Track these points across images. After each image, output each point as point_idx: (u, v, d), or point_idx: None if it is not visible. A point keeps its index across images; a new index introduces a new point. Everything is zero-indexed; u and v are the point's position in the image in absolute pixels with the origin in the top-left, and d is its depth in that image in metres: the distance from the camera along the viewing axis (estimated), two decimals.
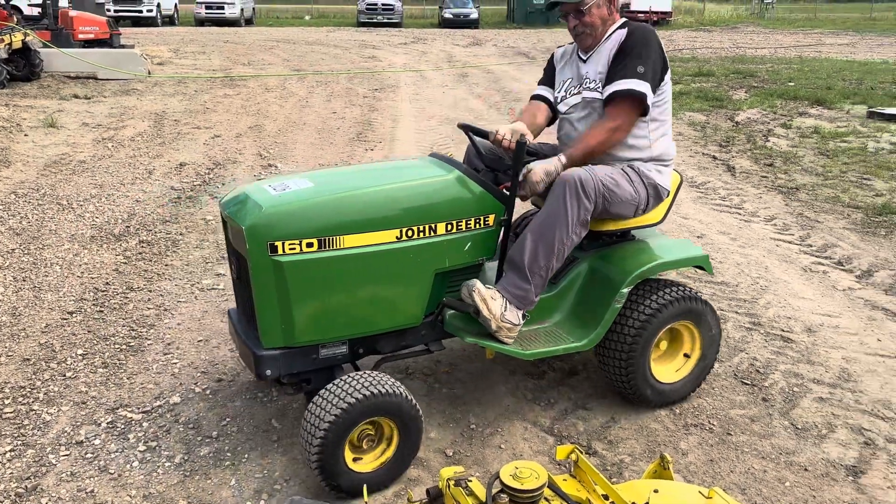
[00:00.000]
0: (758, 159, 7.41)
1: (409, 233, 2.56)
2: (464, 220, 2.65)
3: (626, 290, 2.79)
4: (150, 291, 4.11)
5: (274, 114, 9.60)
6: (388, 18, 30.73)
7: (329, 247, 2.45)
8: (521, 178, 2.69)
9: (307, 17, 35.62)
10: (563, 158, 2.75)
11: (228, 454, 2.72)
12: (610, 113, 2.80)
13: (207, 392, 3.13)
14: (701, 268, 3.04)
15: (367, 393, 2.38)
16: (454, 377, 3.27)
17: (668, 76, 2.88)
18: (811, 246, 4.95)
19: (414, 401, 2.50)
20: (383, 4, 30.80)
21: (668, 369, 3.03)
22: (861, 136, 8.36)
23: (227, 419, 2.94)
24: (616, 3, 2.90)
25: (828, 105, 10.39)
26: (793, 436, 2.87)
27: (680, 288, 2.94)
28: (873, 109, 9.86)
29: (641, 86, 2.73)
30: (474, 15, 31.42)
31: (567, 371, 3.33)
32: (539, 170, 2.68)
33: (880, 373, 3.33)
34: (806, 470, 2.67)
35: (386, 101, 10.96)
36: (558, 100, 3.04)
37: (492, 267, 2.87)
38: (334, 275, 2.49)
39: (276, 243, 2.39)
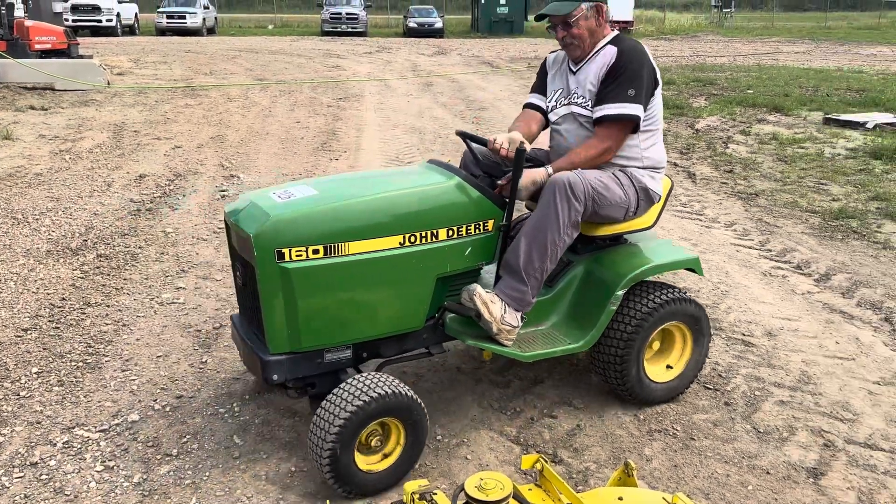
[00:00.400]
0: (718, 166, 7.53)
1: (412, 238, 2.61)
2: (464, 226, 2.71)
3: (620, 293, 2.85)
4: (108, 307, 4.02)
5: (236, 124, 9.50)
6: (353, 28, 30.69)
7: (335, 253, 2.50)
8: (507, 182, 2.76)
9: (270, 27, 35.40)
10: (550, 170, 2.83)
11: (189, 472, 2.66)
12: (600, 134, 2.86)
13: (167, 409, 3.06)
14: (692, 270, 3.12)
15: (377, 394, 2.42)
16: (420, 388, 3.25)
17: (658, 89, 2.94)
18: (770, 251, 5.04)
19: (420, 401, 2.55)
20: (347, 14, 30.75)
21: (660, 369, 3.10)
22: (818, 141, 8.54)
23: (188, 436, 2.88)
24: (605, 14, 2.92)
25: (785, 112, 10.60)
26: (755, 439, 2.91)
27: (672, 290, 3.00)
28: (829, 116, 10.10)
29: (633, 109, 2.81)
30: (439, 24, 31.53)
31: (533, 379, 3.33)
32: (526, 178, 2.76)
33: (839, 375, 3.39)
34: (768, 473, 2.70)
35: (350, 110, 10.92)
36: (549, 109, 3.09)
37: (488, 271, 2.91)
38: (340, 281, 2.53)
39: (284, 250, 2.43)
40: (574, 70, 2.99)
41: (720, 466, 2.74)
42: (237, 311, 2.98)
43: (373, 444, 2.53)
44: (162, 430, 2.91)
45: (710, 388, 3.27)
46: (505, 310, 2.71)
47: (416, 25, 31.28)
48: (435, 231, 2.64)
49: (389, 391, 2.45)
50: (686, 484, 2.64)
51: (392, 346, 2.81)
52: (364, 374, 2.52)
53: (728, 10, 39.17)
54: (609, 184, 2.86)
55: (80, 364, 3.41)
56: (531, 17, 37.37)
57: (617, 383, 3.01)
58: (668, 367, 3.13)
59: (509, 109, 11.24)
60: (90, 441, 2.83)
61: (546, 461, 2.41)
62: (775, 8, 48.23)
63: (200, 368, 3.39)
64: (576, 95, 2.95)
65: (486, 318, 2.67)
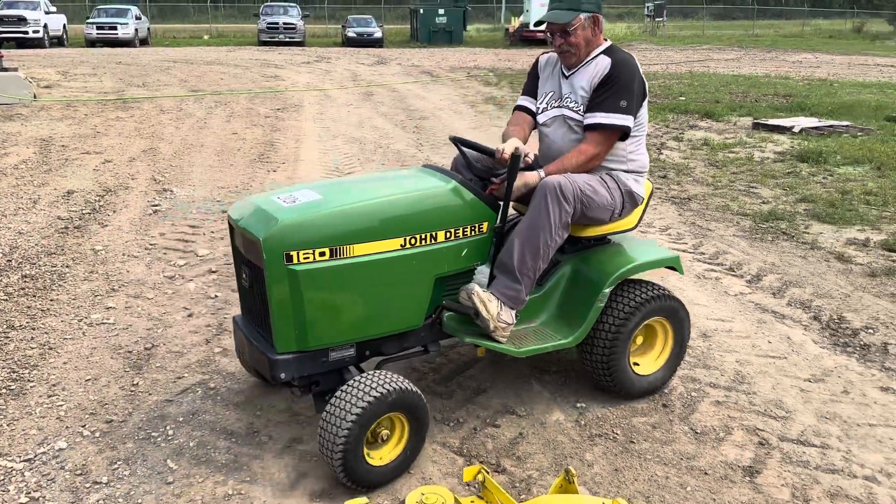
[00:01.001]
0: (652, 172, 7.69)
1: (413, 241, 2.72)
2: (461, 228, 2.82)
3: (607, 290, 2.99)
4: (34, 329, 3.84)
5: (170, 136, 9.27)
6: (291, 37, 30.37)
7: (340, 255, 2.59)
8: (499, 183, 2.89)
9: (206, 37, 34.76)
10: (542, 173, 2.95)
11: (120, 500, 2.56)
12: (591, 139, 3.00)
13: (97, 434, 2.94)
14: (673, 268, 3.26)
15: (386, 390, 2.52)
16: None
17: (645, 100, 3.09)
18: (704, 254, 5.16)
19: (423, 397, 2.64)
20: (285, 23, 30.42)
21: (644, 362, 3.23)
22: (747, 146, 8.83)
23: (119, 462, 2.76)
24: (600, 25, 3.05)
25: (716, 118, 10.94)
26: (692, 440, 2.95)
27: (655, 287, 3.15)
28: (758, 121, 10.45)
29: (624, 119, 2.96)
30: (378, 34, 31.47)
31: (475, 389, 3.32)
32: (519, 181, 2.88)
33: (771, 374, 3.49)
34: (706, 474, 2.75)
35: (289, 120, 10.79)
36: (539, 110, 3.20)
37: (480, 272, 3.04)
38: (345, 281, 2.62)
39: (292, 253, 2.51)
40: (567, 74, 3.11)
41: (659, 469, 2.77)
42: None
43: (380, 438, 2.62)
44: (91, 457, 2.79)
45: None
46: (501, 308, 2.84)
47: (354, 35, 31.15)
48: (434, 233, 2.76)
49: (398, 387, 2.55)
50: (626, 487, 2.66)
51: (393, 344, 2.91)
52: (372, 372, 2.62)
53: (660, 19, 40.23)
54: (597, 187, 3.00)
55: (3, 391, 3.24)
56: (470, 27, 37.71)
57: (605, 377, 3.12)
58: (653, 359, 3.25)
59: (450, 118, 11.28)
60: (14, 472, 2.70)
61: (488, 472, 2.40)
62: (706, 17, 49.80)
63: (132, 391, 3.27)
64: (568, 100, 3.07)
65: (483, 316, 2.79)
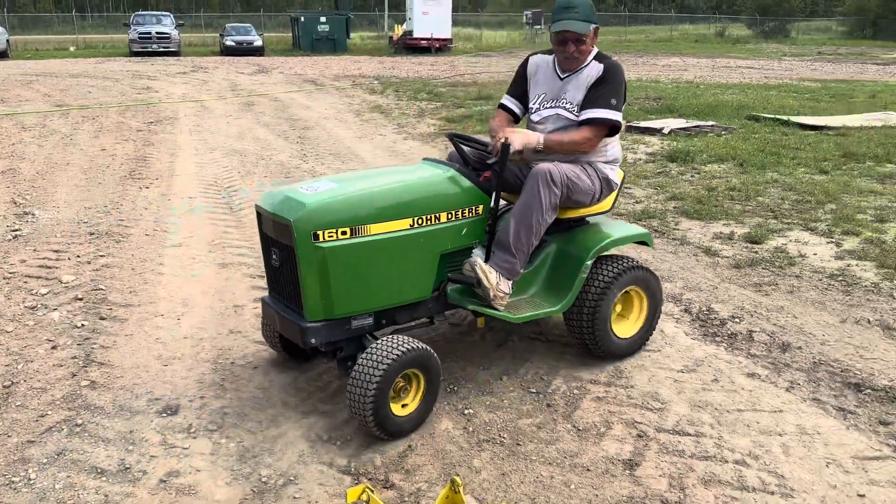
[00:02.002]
0: None
1: (420, 221, 3.12)
2: (460, 210, 3.24)
3: (589, 263, 3.40)
4: None
5: (32, 155, 8.67)
6: (165, 47, 29.20)
7: (359, 234, 2.97)
8: (500, 144, 3.18)
9: (72, 48, 32.85)
10: (541, 140, 3.30)
11: None
12: (585, 130, 3.36)
13: None
14: (644, 243, 3.71)
15: (406, 349, 2.91)
16: (243, 428, 3.08)
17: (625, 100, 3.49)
18: None
19: (435, 354, 3.04)
20: (158, 33, 29.22)
21: (623, 328, 3.66)
22: (621, 148, 9.20)
23: None
24: (597, 35, 3.45)
25: None
26: (575, 438, 3.03)
27: (630, 260, 3.58)
28: (630, 123, 10.94)
29: (615, 115, 3.34)
30: (258, 42, 30.78)
31: None
32: (518, 139, 3.20)
33: (647, 367, 3.63)
34: (588, 470, 2.82)
35: (163, 134, 10.33)
36: (532, 110, 3.55)
37: (477, 251, 3.36)
38: (363, 257, 3.00)
39: (318, 232, 2.89)
40: (562, 77, 3.47)
41: (545, 469, 2.82)
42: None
43: (401, 392, 3.02)
44: None
45: (533, 392, 3.38)
46: (499, 279, 3.22)
47: (233, 44, 30.33)
48: (437, 215, 3.17)
49: (415, 346, 2.95)
50: (513, 491, 2.69)
51: (405, 313, 3.31)
52: (389, 336, 3.00)
53: (539, 26, 41.48)
54: (580, 174, 3.41)
55: None
56: (354, 35, 37.49)
57: (590, 341, 3.53)
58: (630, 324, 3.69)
59: (335, 128, 11.15)
60: None
61: (373, 490, 2.36)
62: None
63: None
64: (563, 100, 3.43)
65: (485, 285, 3.18)
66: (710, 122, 10.87)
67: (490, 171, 3.28)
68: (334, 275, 2.94)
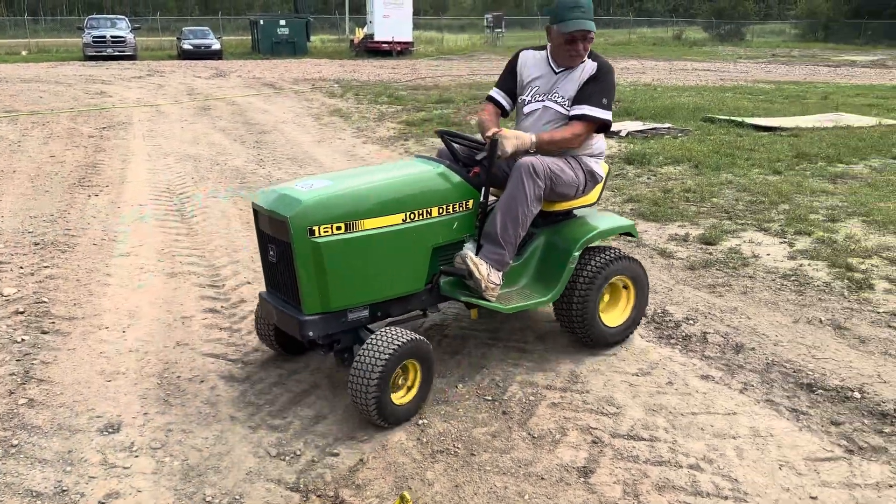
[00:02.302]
0: None
1: (412, 216, 3.21)
2: (451, 205, 3.33)
3: (577, 254, 3.50)
4: None
5: None
6: (120, 51, 28.63)
7: (353, 229, 3.05)
8: (489, 140, 3.31)
9: (24, 52, 32.02)
10: (533, 138, 3.41)
11: None
12: (576, 126, 3.47)
13: None
14: (629, 234, 3.86)
15: (405, 340, 3.02)
16: (188, 445, 2.98)
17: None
18: None
19: (430, 344, 3.16)
20: (113, 37, 28.65)
21: (611, 317, 3.77)
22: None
23: None
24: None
25: None
26: (530, 446, 2.98)
27: (616, 250, 3.70)
28: None
29: (606, 114, 3.48)
30: (216, 46, 30.36)
31: (314, 417, 3.18)
32: (510, 144, 3.31)
33: (603, 371, 3.61)
34: (543, 479, 2.77)
35: (115, 139, 10.09)
36: (524, 102, 3.66)
37: (468, 244, 3.46)
38: (358, 251, 3.08)
39: (314, 228, 2.96)
40: (557, 72, 3.59)
41: (499, 479, 2.77)
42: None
43: (399, 382, 3.11)
44: None
45: (488, 400, 3.33)
46: (490, 270, 3.32)
47: (191, 47, 29.88)
48: (429, 209, 3.25)
49: (411, 337, 3.05)
50: (466, 503, 2.63)
51: (399, 306, 3.39)
52: (387, 328, 3.08)
53: (499, 30, 41.66)
54: (563, 167, 3.50)
55: None
56: (314, 38, 37.21)
57: (579, 330, 3.65)
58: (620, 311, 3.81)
59: (293, 132, 11.01)
60: None
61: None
62: (542, 27, 51.83)
63: None
64: (556, 94, 3.55)
65: (476, 277, 3.26)
66: (667, 125, 10.98)
67: (479, 167, 3.38)
68: (330, 269, 3.02)
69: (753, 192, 6.95)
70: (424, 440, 3.02)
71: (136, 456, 2.90)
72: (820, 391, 3.41)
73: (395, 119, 12.28)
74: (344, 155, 9.23)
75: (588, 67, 3.50)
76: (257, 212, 3.22)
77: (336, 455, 2.92)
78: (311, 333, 3.08)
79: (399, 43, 32.16)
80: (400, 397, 3.11)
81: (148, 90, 17.05)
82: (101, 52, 28.32)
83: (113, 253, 5.34)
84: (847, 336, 3.99)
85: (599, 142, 3.67)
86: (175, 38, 33.98)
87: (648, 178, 7.73)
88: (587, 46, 3.49)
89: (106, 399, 3.33)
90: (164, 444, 2.98)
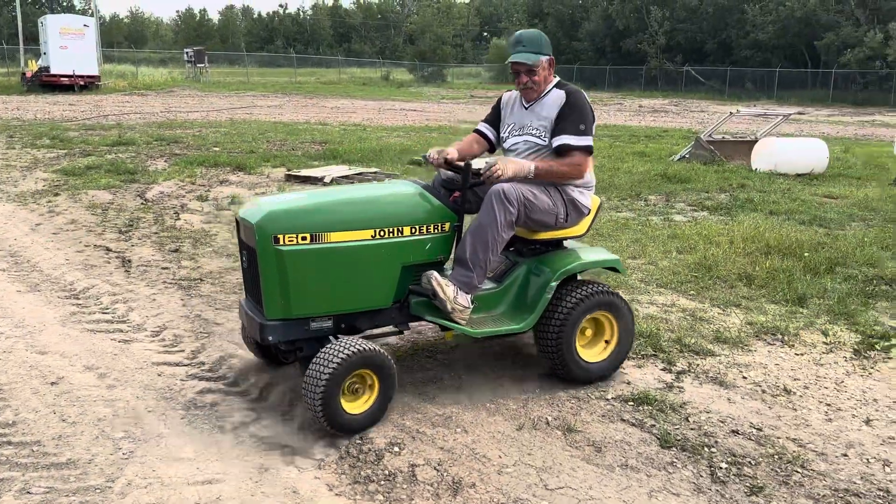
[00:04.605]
0: (163, 245, 6.32)
1: (382, 233, 3.29)
2: (424, 226, 3.38)
3: (554, 284, 3.48)
4: None
5: None
6: None
7: (319, 241, 3.16)
8: (488, 169, 3.37)
9: None
10: (532, 167, 3.47)
11: None
12: (572, 159, 3.51)
13: None
14: (614, 269, 3.79)
15: (355, 350, 3.05)
16: None
17: (595, 123, 3.64)
18: (203, 364, 3.93)
19: (390, 357, 3.16)
20: None
21: (593, 353, 3.69)
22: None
23: None
24: (553, 66, 3.63)
25: (248, 170, 10.08)
26: None
27: (597, 284, 3.63)
28: (290, 172, 9.88)
29: (587, 140, 3.52)
30: None
31: None
32: (511, 168, 3.40)
33: None
34: None
35: None
36: (504, 139, 3.76)
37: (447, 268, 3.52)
38: (322, 262, 3.18)
39: (279, 236, 3.10)
40: (526, 107, 3.67)
41: None
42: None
43: (355, 391, 3.14)
44: None
45: None
46: (457, 292, 3.35)
47: None
48: (401, 228, 3.32)
49: (365, 348, 3.08)
50: None
51: (366, 320, 3.42)
52: (344, 337, 3.18)
53: (202, 65, 39.25)
54: (538, 193, 3.48)
55: None
56: None
57: (556, 363, 3.57)
58: (606, 340, 3.72)
59: None
60: None
61: None
62: (250, 64, 50.57)
63: None
64: (531, 128, 3.61)
65: (440, 297, 3.29)
66: (374, 169, 10.25)
67: (459, 192, 3.44)
68: (292, 277, 3.11)
69: None
70: None
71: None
72: None
73: (50, 168, 10.02)
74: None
75: (556, 97, 3.56)
76: (238, 222, 3.34)
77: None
78: (270, 338, 3.19)
79: (82, 77, 28.55)
80: (355, 407, 3.12)
81: None
82: None
83: None
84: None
85: (588, 176, 3.66)
86: None
87: None
88: (535, 79, 3.56)
89: None
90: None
